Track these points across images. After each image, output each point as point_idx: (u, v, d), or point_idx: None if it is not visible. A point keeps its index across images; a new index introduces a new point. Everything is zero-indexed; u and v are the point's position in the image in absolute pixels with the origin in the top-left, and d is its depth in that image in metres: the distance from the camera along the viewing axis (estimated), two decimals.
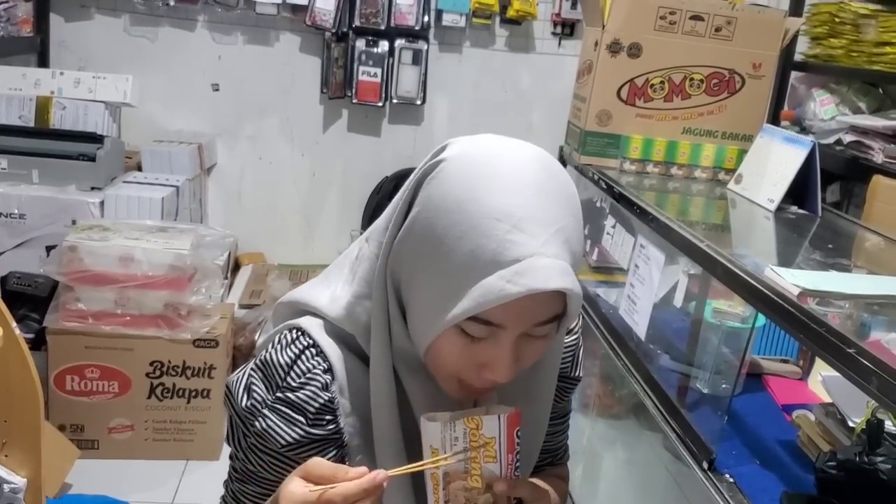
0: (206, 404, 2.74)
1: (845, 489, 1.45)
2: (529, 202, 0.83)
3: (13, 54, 3.32)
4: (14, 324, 2.01)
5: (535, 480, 1.00)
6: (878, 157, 2.43)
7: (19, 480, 2.08)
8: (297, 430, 0.94)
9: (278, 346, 0.97)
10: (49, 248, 2.78)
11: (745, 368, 1.98)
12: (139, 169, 3.34)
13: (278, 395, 0.95)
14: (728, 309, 1.94)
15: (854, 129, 2.58)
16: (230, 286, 3.45)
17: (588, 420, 2.51)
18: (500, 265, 0.81)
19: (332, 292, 0.99)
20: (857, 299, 1.36)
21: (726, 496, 1.50)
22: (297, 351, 0.96)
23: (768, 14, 2.46)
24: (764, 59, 2.45)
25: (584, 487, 2.44)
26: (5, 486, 2.03)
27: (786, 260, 1.77)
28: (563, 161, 2.79)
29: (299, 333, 0.98)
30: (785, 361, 2.16)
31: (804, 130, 2.87)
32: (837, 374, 1.19)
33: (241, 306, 3.24)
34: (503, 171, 0.85)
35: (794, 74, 3.14)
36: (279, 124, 3.77)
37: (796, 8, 3.04)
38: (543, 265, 0.81)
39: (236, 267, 3.69)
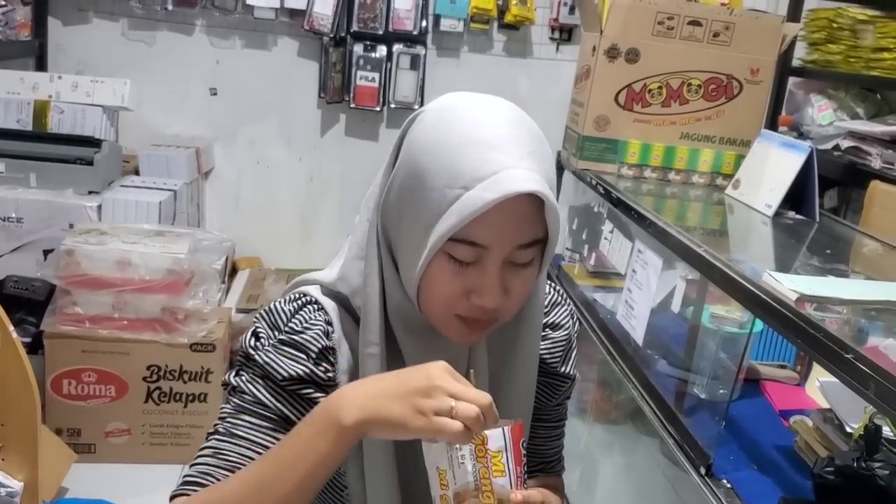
0: (204, 408, 2.74)
1: (843, 495, 1.45)
2: (502, 130, 0.90)
3: (11, 58, 3.32)
4: (11, 328, 2.02)
5: (542, 489, 1.00)
6: (876, 163, 2.43)
7: (16, 484, 2.08)
8: (299, 366, 0.97)
9: (282, 301, 1.04)
10: (46, 252, 2.78)
11: (743, 374, 1.98)
12: (137, 173, 3.34)
13: (281, 337, 0.99)
14: (726, 314, 1.94)
15: (852, 134, 2.58)
16: (227, 290, 3.45)
17: (585, 425, 2.51)
18: (478, 179, 0.87)
19: (332, 267, 1.06)
20: (855, 305, 1.36)
21: (724, 502, 1.49)
22: (299, 304, 1.02)
23: (766, 19, 2.46)
24: (762, 65, 2.45)
25: (581, 493, 2.44)
26: (2, 490, 2.03)
27: (783, 265, 1.77)
28: (560, 166, 2.79)
29: (301, 294, 1.04)
30: (783, 367, 2.15)
31: (802, 136, 2.87)
32: (835, 379, 1.19)
33: (239, 310, 3.23)
34: (477, 109, 0.93)
35: (791, 80, 3.14)
36: (277, 128, 3.77)
37: (794, 13, 3.04)
38: (518, 175, 0.87)
39: (234, 271, 3.69)
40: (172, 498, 0.95)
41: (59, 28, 3.51)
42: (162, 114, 3.63)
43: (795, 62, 3.12)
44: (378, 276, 0.98)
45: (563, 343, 1.15)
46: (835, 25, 2.84)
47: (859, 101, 2.81)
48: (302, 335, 0.98)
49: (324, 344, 0.98)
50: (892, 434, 1.53)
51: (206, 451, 0.98)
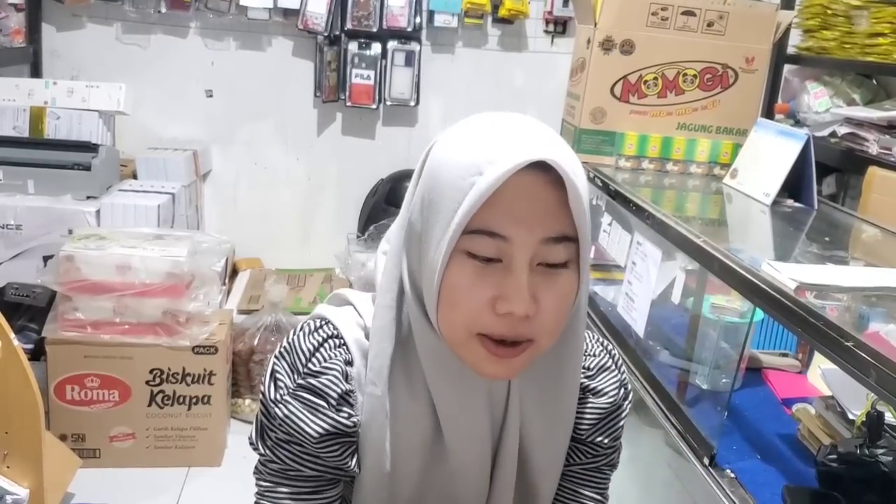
0: (207, 411, 2.74)
1: (846, 482, 1.45)
2: (522, 122, 0.87)
3: (6, 65, 3.32)
4: (13, 335, 2.02)
5: None
6: (873, 149, 2.43)
7: (21, 491, 2.08)
8: (321, 417, 0.93)
9: (302, 333, 0.98)
10: (46, 258, 2.78)
11: (745, 363, 1.98)
12: (134, 177, 3.33)
13: (299, 381, 0.94)
14: (726, 304, 1.94)
15: (848, 120, 2.58)
16: (228, 292, 3.45)
17: None
18: (492, 161, 0.81)
19: (373, 296, 1.00)
20: (855, 292, 1.36)
21: (728, 491, 1.50)
22: (320, 339, 0.96)
23: (760, 7, 2.46)
24: (757, 53, 2.45)
25: None
26: (7, 498, 2.03)
27: (783, 254, 1.77)
28: None
29: (323, 323, 0.98)
30: (784, 355, 2.16)
31: (798, 123, 2.87)
32: (836, 367, 1.19)
33: (240, 312, 3.23)
34: (495, 114, 0.90)
35: (787, 67, 3.14)
36: (273, 129, 3.76)
37: (788, 1, 3.04)
38: (531, 149, 0.81)
39: (234, 273, 3.69)
40: None
41: (53, 34, 3.51)
42: (158, 117, 3.63)
43: (790, 50, 3.12)
44: (394, 314, 0.93)
45: (602, 411, 1.03)
46: (829, 12, 2.84)
47: (855, 87, 2.81)
48: (320, 379, 0.93)
49: (343, 388, 0.94)
50: (894, 420, 1.53)
51: None
